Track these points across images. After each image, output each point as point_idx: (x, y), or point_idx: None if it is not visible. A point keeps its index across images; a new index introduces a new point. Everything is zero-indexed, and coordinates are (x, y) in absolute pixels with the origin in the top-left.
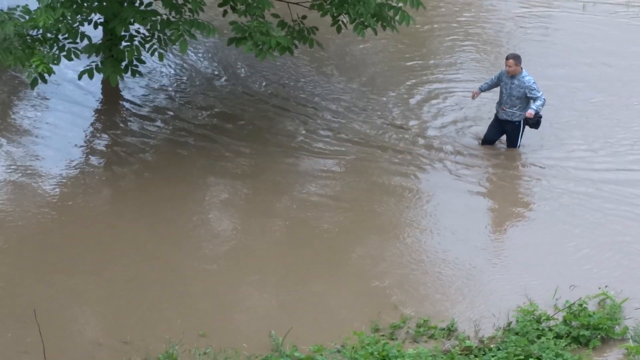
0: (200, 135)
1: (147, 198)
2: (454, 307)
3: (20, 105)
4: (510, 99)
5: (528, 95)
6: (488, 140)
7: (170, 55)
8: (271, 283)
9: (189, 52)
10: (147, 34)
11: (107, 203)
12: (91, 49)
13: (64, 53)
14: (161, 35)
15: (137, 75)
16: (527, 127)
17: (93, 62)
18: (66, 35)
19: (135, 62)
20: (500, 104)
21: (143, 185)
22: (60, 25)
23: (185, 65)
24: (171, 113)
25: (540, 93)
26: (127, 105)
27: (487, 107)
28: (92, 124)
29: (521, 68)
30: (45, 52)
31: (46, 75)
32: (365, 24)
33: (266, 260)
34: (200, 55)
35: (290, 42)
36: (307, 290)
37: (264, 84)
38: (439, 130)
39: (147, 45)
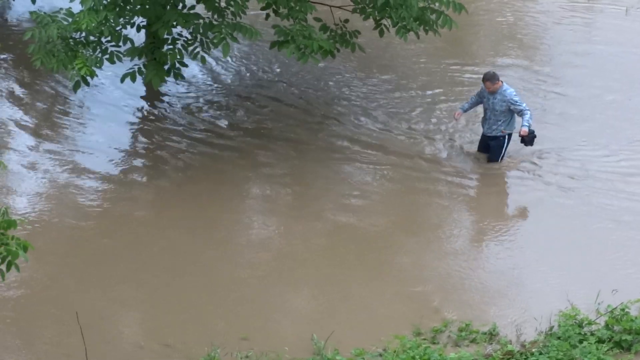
0: (242, 140)
1: (188, 203)
2: (496, 311)
3: (62, 109)
4: (494, 114)
5: (511, 108)
6: (482, 151)
7: (212, 58)
8: (312, 287)
9: (230, 55)
10: (189, 37)
11: (148, 208)
12: (134, 52)
13: (107, 56)
14: (203, 38)
15: (179, 78)
16: (510, 142)
17: (135, 65)
18: (109, 38)
19: (177, 66)
20: (485, 119)
21: (183, 190)
22: (103, 28)
23: (226, 69)
24: (212, 118)
25: (524, 105)
26: (167, 109)
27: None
28: (132, 129)
29: (501, 82)
30: (88, 55)
31: (89, 78)
32: (408, 27)
33: (307, 265)
34: (241, 59)
35: (332, 46)
36: (349, 294)
37: (305, 88)
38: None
39: (189, 49)
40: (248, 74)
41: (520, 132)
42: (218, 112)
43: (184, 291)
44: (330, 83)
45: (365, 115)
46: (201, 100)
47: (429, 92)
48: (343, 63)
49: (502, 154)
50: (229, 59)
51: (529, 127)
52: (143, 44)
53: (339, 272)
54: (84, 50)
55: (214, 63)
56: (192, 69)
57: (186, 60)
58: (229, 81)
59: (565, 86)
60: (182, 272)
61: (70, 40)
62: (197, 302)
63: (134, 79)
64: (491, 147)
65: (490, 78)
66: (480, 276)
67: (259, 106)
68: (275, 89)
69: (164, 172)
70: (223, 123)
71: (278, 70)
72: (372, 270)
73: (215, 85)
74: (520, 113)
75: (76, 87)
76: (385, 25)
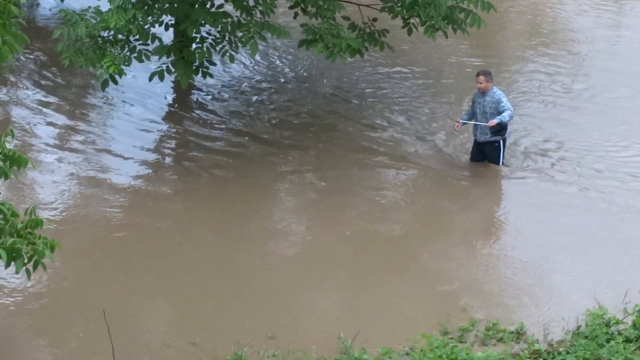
0: (271, 140)
1: (216, 201)
2: (523, 310)
3: (90, 106)
4: (484, 117)
5: (499, 109)
6: (475, 160)
7: (241, 57)
8: (340, 286)
9: (259, 55)
10: (217, 35)
11: (176, 206)
12: (162, 50)
13: (135, 54)
14: (232, 37)
15: (207, 77)
16: (507, 146)
17: (164, 63)
18: (137, 37)
19: (205, 64)
20: (476, 126)
21: (212, 188)
22: (131, 27)
23: (255, 68)
24: (240, 117)
25: (508, 105)
26: (196, 107)
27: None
28: (161, 127)
29: (492, 84)
30: (116, 53)
31: (117, 76)
32: (436, 26)
33: (335, 263)
34: (270, 58)
35: (360, 45)
36: (376, 293)
37: (333, 88)
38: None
39: (217, 47)
40: (279, 74)
41: (488, 123)
42: (245, 112)
43: (211, 291)
44: (359, 82)
45: (395, 114)
46: (229, 100)
47: (453, 96)
48: (371, 62)
49: (501, 158)
50: (257, 57)
51: (501, 121)
52: (171, 43)
53: (365, 272)
54: (112, 49)
55: (242, 62)
56: (220, 68)
57: (214, 58)
58: (258, 82)
59: (594, 87)
60: (208, 272)
61: (99, 38)
62: (223, 301)
63: (162, 78)
64: (488, 155)
65: (484, 73)
66: (507, 275)
67: (286, 107)
68: (303, 90)
69: (191, 170)
70: (251, 124)
71: (308, 68)
72: (399, 271)
73: (244, 85)
74: (502, 110)
75: (104, 85)
76: (413, 24)
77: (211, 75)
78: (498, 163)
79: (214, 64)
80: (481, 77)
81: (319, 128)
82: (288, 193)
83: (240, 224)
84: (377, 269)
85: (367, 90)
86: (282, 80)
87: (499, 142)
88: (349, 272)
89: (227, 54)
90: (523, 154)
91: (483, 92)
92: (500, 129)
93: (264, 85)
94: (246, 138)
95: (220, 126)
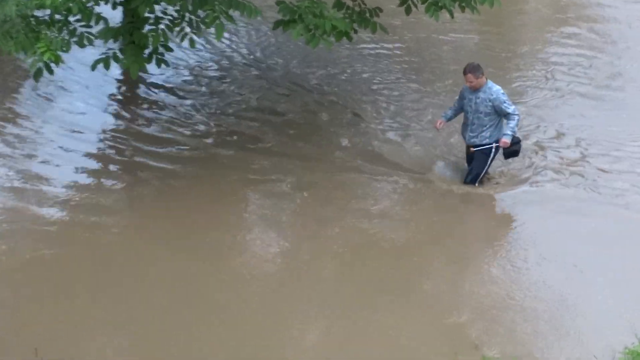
0: (237, 142)
1: (170, 216)
2: (547, 347)
3: (18, 101)
4: (477, 117)
5: (498, 110)
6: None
7: (204, 42)
8: (326, 314)
9: (225, 38)
10: (175, 15)
11: (122, 221)
12: (108, 33)
13: (75, 38)
14: (193, 17)
15: (163, 65)
16: (498, 155)
17: (110, 49)
18: (78, 17)
19: (161, 50)
20: (466, 126)
21: (165, 199)
22: (71, 5)
23: (221, 55)
24: (201, 114)
25: (512, 107)
26: (148, 102)
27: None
28: (104, 127)
29: (485, 79)
30: (52, 37)
31: (53, 64)
32: (440, 4)
33: (319, 287)
34: (238, 42)
35: (348, 26)
36: (368, 324)
37: (313, 78)
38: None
39: (175, 30)
40: (249, 62)
41: (500, 143)
42: (207, 107)
43: (168, 321)
44: (345, 71)
45: (382, 119)
46: (189, 93)
47: (452, 86)
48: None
49: (486, 167)
50: (223, 41)
51: (512, 135)
52: (119, 24)
53: (357, 297)
54: (47, 31)
55: (204, 47)
56: (177, 54)
57: (171, 43)
58: (223, 71)
59: (621, 74)
60: (163, 298)
61: (32, 18)
62: (186, 333)
63: (107, 66)
64: (475, 157)
65: (472, 70)
66: (526, 305)
67: (255, 99)
68: (277, 79)
69: (143, 178)
70: (213, 120)
71: (285, 54)
72: (398, 296)
73: (206, 75)
74: (507, 116)
75: (37, 75)
76: (412, 1)
77: (167, 64)
78: (478, 176)
79: (171, 50)
80: (469, 76)
81: (296, 127)
82: (259, 205)
83: (202, 242)
84: (371, 294)
85: (355, 83)
86: (253, 70)
87: (490, 150)
88: (337, 298)
89: (187, 38)
90: (532, 153)
91: (475, 89)
92: (517, 146)
93: (230, 76)
94: (208, 140)
95: (177, 125)
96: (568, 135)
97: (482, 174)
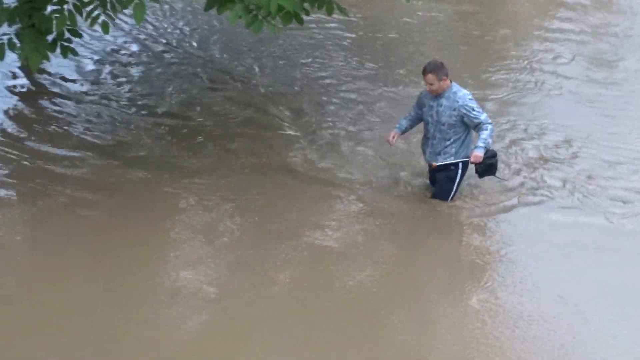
0: (163, 157)
1: (80, 254)
2: None
3: None
4: (439, 130)
5: (465, 120)
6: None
7: (122, 25)
8: None
9: (146, 21)
10: None
11: (17, 257)
12: (1, 15)
13: None
14: None
15: (69, 54)
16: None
17: (5, 34)
18: None
19: (67, 36)
20: (426, 139)
21: (72, 233)
22: None
23: (142, 42)
24: (117, 122)
25: (484, 116)
26: (51, 105)
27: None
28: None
29: (450, 81)
30: None
31: None
32: None
33: (265, 334)
34: (162, 26)
35: (298, 6)
36: None
37: (250, 68)
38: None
39: (85, 11)
40: (174, 51)
41: (471, 158)
42: (123, 103)
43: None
44: (290, 62)
45: (336, 108)
46: (101, 86)
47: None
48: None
49: (453, 190)
50: (143, 25)
51: (485, 148)
52: (16, 4)
53: (319, 344)
54: None
55: (120, 31)
56: (87, 40)
57: (80, 27)
58: (143, 60)
59: (623, 72)
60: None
61: None
62: None
63: (1, 56)
64: (438, 181)
65: (435, 69)
66: (521, 351)
67: (181, 95)
68: (207, 71)
69: (42, 212)
70: (129, 120)
71: (217, 41)
72: (365, 342)
73: (123, 65)
74: (477, 127)
75: None
76: None
77: (75, 53)
78: (447, 196)
79: (80, 36)
80: (430, 77)
81: (228, 132)
82: (194, 237)
83: (122, 285)
84: (334, 339)
85: (311, 77)
86: (177, 61)
87: (456, 166)
88: (293, 342)
89: (100, 21)
90: (524, 167)
91: (436, 94)
92: (493, 160)
93: (151, 69)
94: (127, 155)
95: (87, 136)
96: (567, 143)
97: (452, 194)
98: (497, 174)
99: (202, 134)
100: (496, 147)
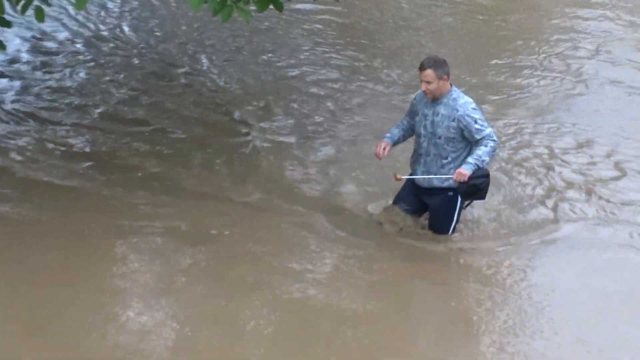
0: (92, 160)
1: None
2: None
3: None
4: (434, 144)
5: (466, 134)
6: (401, 203)
7: (56, 12)
8: None
9: (87, 8)
10: None
11: None
12: None
13: None
14: None
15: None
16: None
17: None
18: None
19: None
20: (418, 156)
21: None
22: None
23: (76, 32)
24: (43, 112)
25: (488, 130)
26: None
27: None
28: None
29: (450, 84)
30: None
31: None
32: None
33: None
34: (106, 13)
35: None
36: None
37: (208, 62)
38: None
39: None
40: (116, 40)
41: (454, 175)
42: (50, 105)
43: None
44: (255, 55)
45: (296, 127)
46: (26, 83)
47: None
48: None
49: (454, 221)
50: (86, 10)
51: (476, 166)
52: None
53: None
54: None
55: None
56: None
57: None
58: (80, 53)
59: None
60: None
61: None
62: None
63: None
64: (432, 209)
65: (434, 65)
66: None
67: (124, 93)
68: (155, 66)
69: None
70: (58, 123)
71: (172, 29)
72: None
73: (52, 59)
74: (478, 142)
75: None
76: None
77: (2, 46)
78: (448, 229)
79: (9, 25)
80: (428, 72)
81: (172, 144)
82: (132, 267)
83: (47, 319)
84: None
85: (274, 70)
86: (124, 55)
87: (456, 197)
88: None
89: (33, 7)
90: (541, 176)
91: (433, 98)
92: (478, 187)
93: (91, 64)
94: (55, 168)
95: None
96: (592, 146)
97: (453, 227)
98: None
99: (145, 143)
100: (525, 172)
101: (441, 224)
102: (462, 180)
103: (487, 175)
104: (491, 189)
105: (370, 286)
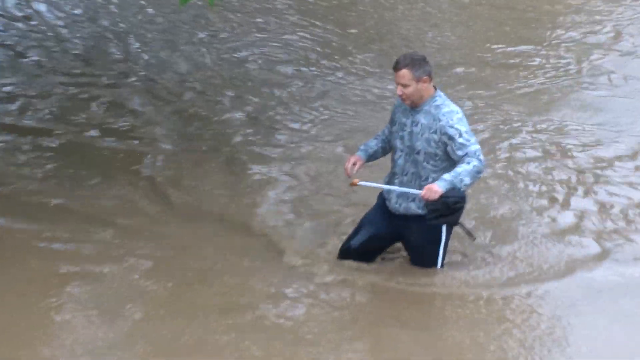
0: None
1: None
2: None
3: None
4: (412, 161)
5: (448, 149)
6: (357, 249)
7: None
8: None
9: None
10: None
11: None
12: None
13: None
14: None
15: None
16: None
17: None
18: None
19: None
20: (393, 176)
21: None
22: None
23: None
24: None
25: (474, 146)
26: None
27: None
28: None
29: (434, 87)
30: None
31: None
32: None
33: None
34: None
35: None
36: None
37: (133, 52)
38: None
39: None
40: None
41: (422, 191)
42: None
43: None
44: (222, 48)
45: (278, 116)
46: None
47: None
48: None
49: (440, 254)
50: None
51: (452, 185)
52: None
53: None
54: None
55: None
56: None
57: None
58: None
59: None
60: None
61: None
62: None
63: None
64: (413, 244)
65: (412, 64)
66: None
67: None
68: (123, 75)
69: None
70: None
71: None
72: None
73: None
74: (461, 159)
75: None
76: None
77: None
78: (435, 262)
79: None
80: (404, 72)
81: (121, 160)
82: (83, 315)
83: None
84: None
85: (222, 65)
86: (59, 49)
87: (441, 226)
88: None
89: None
90: (552, 191)
91: (412, 104)
92: (449, 207)
93: (46, 56)
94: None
95: None
96: (611, 154)
97: (442, 259)
98: (462, 227)
99: (85, 158)
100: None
101: (427, 260)
102: (430, 198)
103: (464, 200)
104: (494, 201)
105: (350, 328)
